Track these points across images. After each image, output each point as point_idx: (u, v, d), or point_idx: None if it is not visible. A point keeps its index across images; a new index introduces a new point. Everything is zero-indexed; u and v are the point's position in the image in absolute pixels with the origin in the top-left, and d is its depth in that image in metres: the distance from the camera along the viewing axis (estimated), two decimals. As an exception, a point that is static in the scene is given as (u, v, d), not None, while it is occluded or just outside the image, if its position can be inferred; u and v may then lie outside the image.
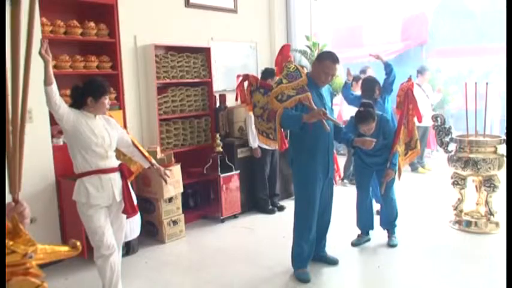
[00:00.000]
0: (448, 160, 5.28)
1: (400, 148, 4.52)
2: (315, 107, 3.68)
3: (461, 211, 5.29)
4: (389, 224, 4.75)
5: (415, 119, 4.78)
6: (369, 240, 4.83)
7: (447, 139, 5.27)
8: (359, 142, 4.17)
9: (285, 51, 4.18)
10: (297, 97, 3.74)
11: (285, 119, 3.82)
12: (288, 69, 3.91)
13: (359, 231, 4.84)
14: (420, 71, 8.00)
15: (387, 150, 4.49)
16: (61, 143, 4.63)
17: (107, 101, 3.45)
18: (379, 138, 4.31)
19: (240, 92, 4.31)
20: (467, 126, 5.46)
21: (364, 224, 4.82)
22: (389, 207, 4.70)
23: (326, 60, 3.88)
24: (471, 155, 5.03)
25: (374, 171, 4.71)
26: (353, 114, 4.55)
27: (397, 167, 4.51)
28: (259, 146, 5.79)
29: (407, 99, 4.57)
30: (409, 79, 4.80)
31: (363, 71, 7.32)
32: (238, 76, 4.31)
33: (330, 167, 4.09)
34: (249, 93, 4.19)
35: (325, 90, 4.08)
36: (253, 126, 5.67)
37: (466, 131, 5.44)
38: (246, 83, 4.25)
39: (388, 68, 5.37)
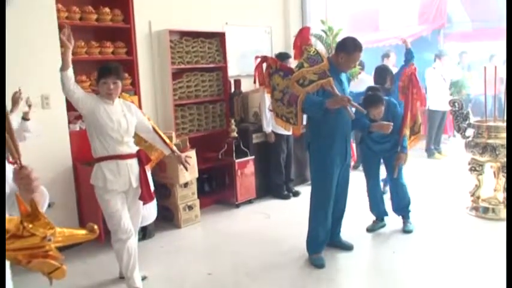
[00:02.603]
0: (465, 146, 5.23)
1: (408, 132, 4.51)
2: (338, 93, 3.66)
3: (478, 197, 5.26)
4: (402, 210, 4.73)
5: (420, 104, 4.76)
6: (383, 226, 4.84)
7: (465, 124, 5.22)
8: (377, 127, 4.16)
9: (304, 34, 4.11)
10: (320, 82, 3.70)
11: (308, 104, 3.79)
12: (309, 52, 3.85)
13: (374, 217, 4.86)
14: (438, 56, 7.94)
15: (394, 136, 4.45)
16: (77, 129, 4.68)
17: (111, 82, 3.38)
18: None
19: (258, 74, 4.24)
20: (486, 112, 5.41)
21: (378, 210, 4.83)
22: (401, 193, 4.68)
23: (355, 52, 3.86)
24: (489, 141, 4.98)
25: (381, 159, 4.70)
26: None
27: (407, 150, 4.49)
28: (273, 131, 5.81)
29: (411, 84, 4.54)
30: (411, 64, 4.78)
31: (386, 55, 7.30)
32: (256, 57, 4.24)
33: (348, 153, 4.08)
34: (267, 76, 4.14)
35: (343, 76, 4.07)
36: (267, 111, 5.67)
37: (484, 116, 5.39)
38: (264, 65, 4.19)
39: (409, 56, 5.34)
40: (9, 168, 1.69)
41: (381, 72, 5.42)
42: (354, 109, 3.86)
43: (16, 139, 1.62)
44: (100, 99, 3.43)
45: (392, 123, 4.14)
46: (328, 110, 3.70)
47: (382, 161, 4.77)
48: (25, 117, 3.75)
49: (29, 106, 3.81)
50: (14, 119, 3.71)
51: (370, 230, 4.79)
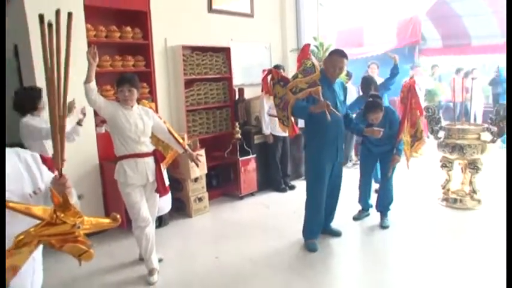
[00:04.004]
0: (437, 146, 5.25)
1: (404, 137, 4.42)
2: (322, 100, 3.65)
3: (448, 190, 5.27)
4: (383, 208, 4.64)
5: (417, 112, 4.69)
6: (368, 215, 4.81)
7: (437, 127, 5.25)
8: (369, 132, 4.09)
9: (305, 50, 4.13)
10: (308, 90, 3.72)
11: (296, 108, 3.82)
12: (305, 65, 3.87)
13: (360, 208, 4.83)
14: (412, 68, 8.01)
15: (391, 140, 4.38)
16: (103, 131, 4.66)
17: (126, 89, 3.39)
18: (385, 128, 4.22)
19: (264, 84, 4.34)
20: (455, 116, 5.41)
21: (365, 202, 4.80)
22: (387, 192, 4.60)
23: (334, 55, 3.87)
24: (458, 141, 5.00)
25: (377, 159, 4.64)
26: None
27: (402, 153, 4.43)
28: (271, 133, 5.80)
29: (410, 94, 4.48)
30: (411, 77, 4.74)
31: (368, 66, 7.37)
32: (263, 70, 4.31)
33: (339, 152, 4.04)
34: (271, 85, 4.18)
35: (337, 85, 4.01)
36: (266, 115, 5.68)
37: (453, 120, 5.38)
38: (269, 77, 4.24)
39: (395, 71, 5.32)
40: (49, 173, 1.70)
41: (366, 81, 5.40)
42: (354, 115, 3.85)
43: (65, 148, 1.65)
44: (120, 106, 3.44)
45: (382, 129, 4.06)
46: (312, 114, 3.70)
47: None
48: (79, 123, 3.82)
49: (84, 114, 3.88)
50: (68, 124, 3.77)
51: (356, 218, 4.77)
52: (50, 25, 1.52)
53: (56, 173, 1.67)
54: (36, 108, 3.84)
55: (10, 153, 1.59)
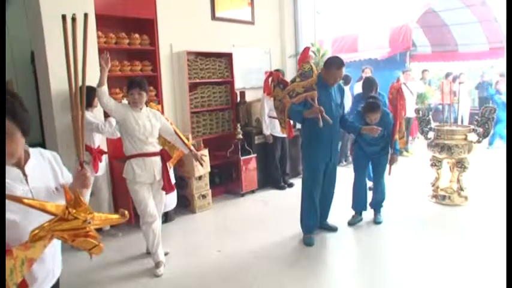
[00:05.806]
0: (427, 145, 5.25)
1: (398, 137, 4.36)
2: (315, 105, 3.63)
3: (437, 187, 5.27)
4: (377, 205, 4.61)
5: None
6: (361, 220, 4.60)
7: (427, 128, 5.25)
8: (367, 130, 4.02)
9: (305, 53, 4.08)
10: (304, 95, 3.71)
11: (291, 112, 3.82)
12: (303, 69, 3.84)
13: (353, 212, 4.62)
14: (404, 72, 8.01)
15: (384, 140, 4.31)
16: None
17: (136, 93, 3.38)
18: (381, 128, 4.16)
19: (266, 85, 4.32)
20: (443, 118, 5.40)
21: (359, 205, 4.58)
22: (380, 191, 4.55)
23: (332, 68, 3.79)
24: (446, 142, 5.00)
25: (370, 159, 4.53)
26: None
27: (399, 152, 4.38)
28: (271, 134, 5.79)
29: (398, 96, 4.45)
30: (398, 80, 4.71)
31: (363, 70, 7.37)
32: (266, 72, 4.29)
33: (333, 153, 4.02)
34: (272, 87, 4.16)
35: (334, 89, 3.95)
36: (266, 117, 5.67)
37: (442, 121, 5.38)
38: (270, 79, 4.21)
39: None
40: (67, 172, 1.78)
41: (368, 82, 5.35)
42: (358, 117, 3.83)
43: (84, 143, 1.81)
44: (130, 108, 3.44)
45: (380, 128, 4.02)
46: (307, 117, 3.70)
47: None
48: None
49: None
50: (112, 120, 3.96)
51: (350, 223, 4.52)
52: (73, 19, 1.65)
53: (82, 165, 1.78)
54: (91, 105, 4.08)
55: (34, 151, 1.64)
